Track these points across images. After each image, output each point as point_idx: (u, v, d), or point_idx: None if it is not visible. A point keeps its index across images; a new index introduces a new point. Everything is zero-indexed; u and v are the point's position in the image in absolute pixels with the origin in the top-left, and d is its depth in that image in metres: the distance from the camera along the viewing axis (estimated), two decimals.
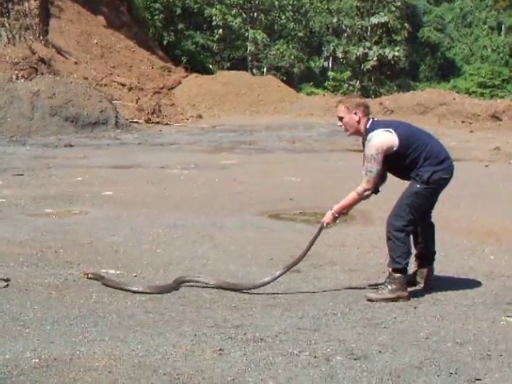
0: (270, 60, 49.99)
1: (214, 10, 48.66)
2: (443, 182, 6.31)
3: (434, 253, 6.67)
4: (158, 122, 28.14)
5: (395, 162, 6.26)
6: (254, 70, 48.26)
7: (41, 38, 29.78)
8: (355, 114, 6.30)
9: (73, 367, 4.48)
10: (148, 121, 27.89)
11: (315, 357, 4.78)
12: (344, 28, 53.15)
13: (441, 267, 7.20)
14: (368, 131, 6.25)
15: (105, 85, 29.94)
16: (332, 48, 52.76)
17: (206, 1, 49.81)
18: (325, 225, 6.43)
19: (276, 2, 49.58)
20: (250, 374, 4.46)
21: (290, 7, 51.08)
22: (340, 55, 51.56)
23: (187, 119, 30.45)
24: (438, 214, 6.68)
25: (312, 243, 6.53)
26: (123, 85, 31.43)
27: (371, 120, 6.33)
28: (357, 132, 6.40)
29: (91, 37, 34.39)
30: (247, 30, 49.11)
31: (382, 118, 32.64)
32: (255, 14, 49.37)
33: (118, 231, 8.82)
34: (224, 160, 17.08)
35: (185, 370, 4.50)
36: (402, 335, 5.27)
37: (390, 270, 6.26)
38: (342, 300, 6.10)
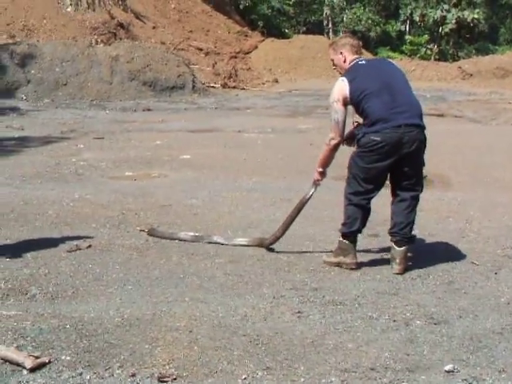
0: (347, 24, 49.36)
1: None
2: (376, 147, 5.73)
3: (403, 234, 5.91)
4: (234, 87, 28.15)
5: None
6: (330, 34, 47.78)
7: (119, 3, 30.03)
8: (341, 53, 6.10)
9: (154, 327, 4.57)
10: (224, 85, 27.92)
11: (394, 321, 4.78)
12: None
13: None
14: None
15: (182, 49, 30.07)
16: (409, 11, 51.71)
17: None
18: (317, 182, 6.36)
19: None
20: (329, 337, 4.48)
21: None
22: (417, 18, 50.45)
23: (263, 83, 30.41)
24: None
25: (302, 206, 6.53)
26: (200, 49, 31.52)
27: (354, 62, 6.04)
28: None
29: (168, 1, 34.51)
30: None
31: (461, 82, 32.16)
32: None
33: (196, 194, 8.91)
34: (301, 124, 17.04)
35: (264, 331, 4.54)
36: (482, 300, 5.22)
37: None
38: (421, 264, 6.06)
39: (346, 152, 6.22)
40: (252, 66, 33.06)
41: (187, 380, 3.88)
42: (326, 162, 6.22)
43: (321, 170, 6.26)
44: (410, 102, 5.90)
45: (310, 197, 6.48)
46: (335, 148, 6.06)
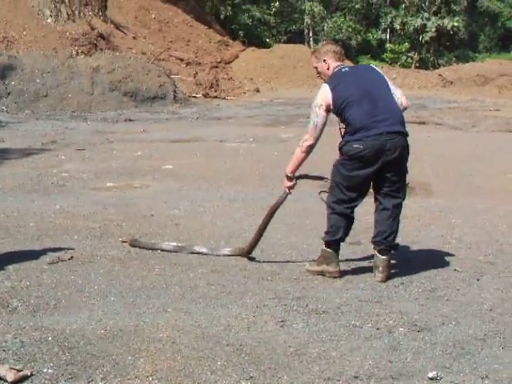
0: (327, 33, 49.47)
1: None
2: (359, 155, 5.75)
3: (386, 243, 5.93)
4: (215, 97, 28.10)
5: None
6: (311, 43, 47.88)
7: (100, 13, 29.89)
8: (324, 61, 6.10)
9: (137, 338, 4.56)
10: (206, 95, 27.88)
11: (378, 329, 4.78)
12: None
13: (505, 239, 7.13)
14: None
15: (163, 59, 29.99)
16: (390, 19, 51.88)
17: None
18: (287, 190, 6.38)
19: None
20: (312, 346, 4.48)
21: None
22: (398, 27, 50.67)
23: (245, 93, 30.40)
24: None
25: (274, 211, 6.52)
26: (181, 59, 31.46)
27: (337, 69, 6.04)
28: None
29: (149, 12, 34.44)
30: (304, 3, 48.66)
31: (441, 89, 32.29)
32: None
33: (178, 204, 8.90)
34: (282, 133, 17.03)
35: (247, 341, 4.54)
36: (465, 307, 5.23)
37: None
38: (404, 272, 6.07)
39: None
40: (233, 75, 33.03)
41: None
42: (297, 166, 6.23)
43: (290, 174, 6.27)
44: (391, 110, 5.91)
45: (280, 203, 6.48)
46: (308, 150, 6.11)
